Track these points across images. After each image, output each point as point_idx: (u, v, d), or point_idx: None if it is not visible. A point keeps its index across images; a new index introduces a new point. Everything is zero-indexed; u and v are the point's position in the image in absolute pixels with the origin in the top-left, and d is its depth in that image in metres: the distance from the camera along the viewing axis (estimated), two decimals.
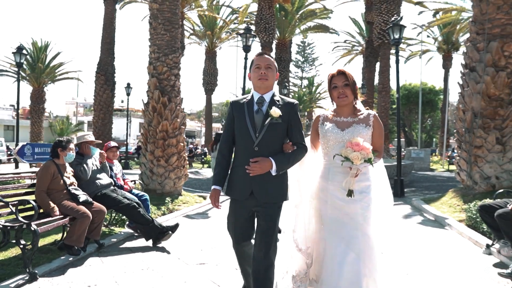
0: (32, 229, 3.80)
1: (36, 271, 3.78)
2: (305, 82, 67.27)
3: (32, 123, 29.62)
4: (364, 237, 2.76)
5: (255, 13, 30.25)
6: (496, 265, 4.15)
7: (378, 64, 27.94)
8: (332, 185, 2.85)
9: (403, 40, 15.58)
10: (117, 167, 5.88)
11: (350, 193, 2.73)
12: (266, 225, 2.78)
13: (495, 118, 7.60)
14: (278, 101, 2.87)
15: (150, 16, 9.64)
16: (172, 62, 9.42)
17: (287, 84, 28.25)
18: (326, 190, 2.88)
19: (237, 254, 3.03)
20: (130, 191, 5.71)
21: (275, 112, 2.76)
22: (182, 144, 9.52)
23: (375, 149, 2.80)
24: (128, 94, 22.68)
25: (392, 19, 11.68)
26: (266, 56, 2.87)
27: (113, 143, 5.90)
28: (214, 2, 32.26)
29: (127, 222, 5.76)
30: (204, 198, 9.89)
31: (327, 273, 2.76)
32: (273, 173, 2.73)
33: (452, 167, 20.11)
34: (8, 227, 3.86)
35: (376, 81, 29.31)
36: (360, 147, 2.68)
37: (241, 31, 36.96)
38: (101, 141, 6.34)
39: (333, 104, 2.98)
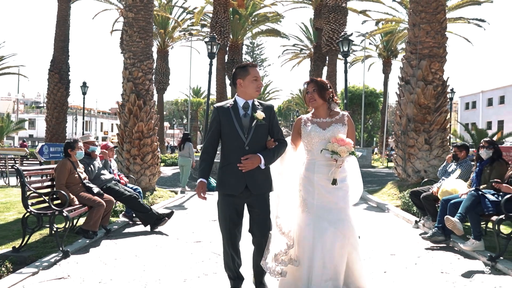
0: (64, 215, 4.61)
1: (68, 249, 4.59)
2: None
3: None
4: (347, 217, 3.23)
5: (210, 14, 31.14)
6: (421, 234, 5.56)
7: (325, 69, 29.83)
8: (317, 176, 3.24)
9: (351, 37, 17.23)
10: (113, 164, 6.68)
11: (334, 181, 3.16)
12: (262, 212, 3.20)
13: (424, 122, 9.29)
14: (258, 105, 3.23)
15: (125, 24, 10.33)
16: (147, 68, 10.18)
17: None
18: (312, 181, 3.26)
19: (229, 247, 3.23)
20: (125, 185, 6.54)
21: (260, 115, 3.13)
22: (156, 143, 10.33)
23: None
24: (84, 93, 22.55)
25: (342, 33, 13.24)
26: (258, 69, 3.27)
27: (111, 144, 6.70)
28: (167, 2, 32.52)
29: (123, 212, 6.61)
30: (176, 193, 10.77)
31: (318, 253, 3.13)
32: (262, 166, 3.11)
33: (391, 164, 22.37)
34: (42, 214, 4.63)
35: None
36: (344, 142, 3.12)
37: (194, 31, 37.26)
38: (100, 142, 7.03)
39: (309, 107, 3.41)
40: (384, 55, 38.00)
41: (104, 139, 67.21)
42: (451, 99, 28.91)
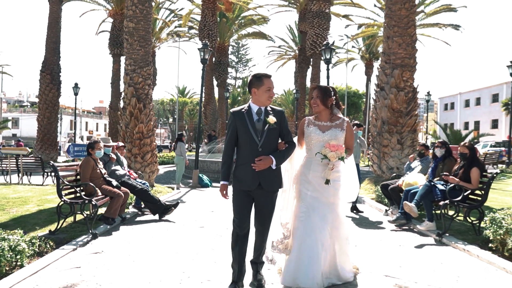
0: (93, 203, 5.53)
1: (96, 232, 5.51)
2: (239, 82, 69.77)
3: None
4: (333, 213, 3.57)
5: (196, 16, 31.99)
6: (389, 220, 6.67)
7: (309, 70, 30.95)
8: (312, 174, 3.57)
9: (333, 46, 18.37)
10: (124, 161, 7.59)
11: (327, 181, 3.49)
12: (268, 208, 3.52)
13: (396, 125, 10.45)
14: (270, 110, 3.50)
15: (126, 33, 11.17)
16: (146, 74, 11.08)
17: (229, 88, 30.26)
18: (307, 176, 3.59)
19: (237, 239, 3.50)
20: (135, 180, 7.46)
21: (272, 119, 3.42)
22: (154, 143, 11.22)
23: (347, 147, 3.56)
24: (76, 94, 23.12)
25: (325, 42, 14.33)
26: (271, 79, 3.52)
27: (121, 143, 7.61)
28: (155, 4, 33.10)
29: (133, 204, 7.53)
30: (172, 189, 11.69)
31: (307, 244, 3.44)
32: (273, 167, 3.41)
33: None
34: (74, 203, 5.54)
35: (308, 85, 32.37)
36: (336, 147, 3.42)
37: (181, 33, 37.75)
38: (115, 144, 7.86)
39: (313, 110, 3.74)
40: (366, 58, 39.41)
41: (89, 138, 67.07)
42: (428, 101, 30.51)
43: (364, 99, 45.53)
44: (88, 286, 3.69)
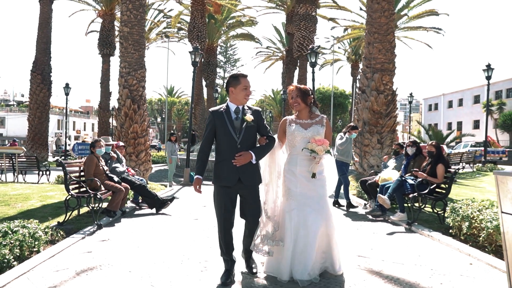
0: (98, 197, 6.07)
1: (101, 223, 6.05)
2: None
3: None
4: (325, 204, 3.75)
5: (185, 17, 32.45)
6: (366, 212, 7.34)
7: (297, 71, 31.64)
8: (299, 169, 3.73)
9: (318, 50, 19.14)
10: (123, 159, 8.12)
11: (313, 175, 3.67)
12: (253, 202, 3.66)
13: (377, 125, 11.18)
14: (247, 109, 3.64)
15: (120, 37, 11.67)
16: (140, 76, 11.59)
17: (218, 88, 30.76)
18: (294, 172, 3.74)
19: (224, 233, 3.63)
20: (133, 176, 7.99)
21: (249, 117, 3.56)
22: (148, 143, 11.74)
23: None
24: (66, 94, 23.38)
25: (311, 46, 15.01)
26: (248, 78, 3.65)
27: (121, 143, 8.14)
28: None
29: (131, 199, 8.06)
30: (165, 186, 12.22)
31: (301, 237, 3.56)
32: (253, 161, 3.55)
33: None
34: (80, 197, 6.07)
35: None
36: (321, 142, 3.61)
37: (169, 34, 37.97)
38: (115, 142, 8.39)
39: (293, 109, 3.91)
40: (352, 59, 40.35)
41: (76, 138, 66.81)
42: (411, 102, 31.52)
43: (351, 100, 46.50)
44: (102, 266, 4.25)
